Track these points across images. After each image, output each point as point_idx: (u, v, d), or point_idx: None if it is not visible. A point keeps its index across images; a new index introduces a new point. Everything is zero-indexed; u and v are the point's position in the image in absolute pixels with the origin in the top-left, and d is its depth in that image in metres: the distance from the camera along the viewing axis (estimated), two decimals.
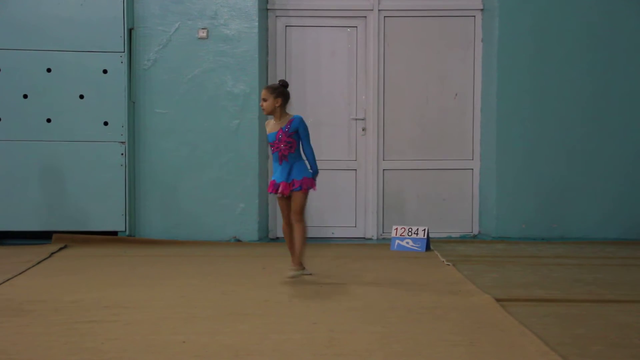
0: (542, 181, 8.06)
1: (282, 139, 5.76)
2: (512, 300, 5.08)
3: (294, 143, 5.79)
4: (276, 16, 8.27)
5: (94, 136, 7.78)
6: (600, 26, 7.98)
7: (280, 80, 5.94)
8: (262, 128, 8.10)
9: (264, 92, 5.83)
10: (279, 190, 5.75)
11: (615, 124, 8.05)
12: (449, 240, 8.10)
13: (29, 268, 6.29)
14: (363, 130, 8.35)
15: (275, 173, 5.84)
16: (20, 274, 6.04)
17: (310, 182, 5.82)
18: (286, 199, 5.82)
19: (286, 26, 8.28)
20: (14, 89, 7.71)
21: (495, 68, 8.01)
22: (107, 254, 7.09)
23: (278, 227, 8.32)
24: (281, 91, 5.82)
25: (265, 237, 8.22)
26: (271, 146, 5.86)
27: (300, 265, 5.85)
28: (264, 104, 5.79)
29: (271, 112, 5.81)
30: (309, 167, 5.89)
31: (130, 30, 7.83)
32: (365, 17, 8.31)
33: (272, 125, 5.87)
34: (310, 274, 5.95)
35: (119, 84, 7.77)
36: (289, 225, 5.88)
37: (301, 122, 5.82)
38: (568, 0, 7.97)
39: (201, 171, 7.95)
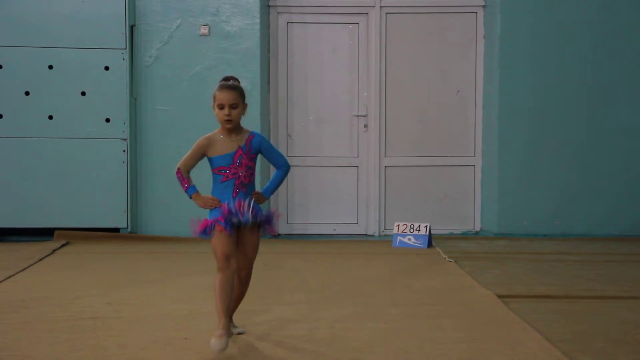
0: (544, 178, 8.06)
1: (243, 162, 4.13)
2: (513, 297, 5.08)
3: (254, 168, 4.19)
4: (278, 13, 8.27)
5: (96, 133, 7.79)
6: (602, 23, 7.97)
7: (230, 77, 4.20)
8: (263, 125, 8.11)
9: (232, 96, 4.04)
10: (242, 213, 4.27)
11: (617, 120, 8.04)
12: (450, 236, 8.10)
13: (31, 265, 6.29)
14: (365, 126, 8.35)
15: (214, 211, 4.31)
16: (22, 270, 6.03)
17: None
18: (231, 236, 4.28)
19: (288, 23, 8.28)
20: (16, 86, 7.71)
21: (497, 65, 8.00)
22: (109, 251, 7.09)
23: (279, 224, 8.32)
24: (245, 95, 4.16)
25: (267, 234, 8.20)
26: (223, 171, 4.20)
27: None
28: (234, 112, 4.03)
29: (237, 126, 4.11)
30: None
31: (131, 27, 7.83)
32: (367, 13, 8.30)
33: (222, 144, 4.15)
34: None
35: (121, 80, 7.77)
36: (233, 275, 4.16)
37: (263, 138, 4.18)
38: None
39: (203, 168, 7.91)
